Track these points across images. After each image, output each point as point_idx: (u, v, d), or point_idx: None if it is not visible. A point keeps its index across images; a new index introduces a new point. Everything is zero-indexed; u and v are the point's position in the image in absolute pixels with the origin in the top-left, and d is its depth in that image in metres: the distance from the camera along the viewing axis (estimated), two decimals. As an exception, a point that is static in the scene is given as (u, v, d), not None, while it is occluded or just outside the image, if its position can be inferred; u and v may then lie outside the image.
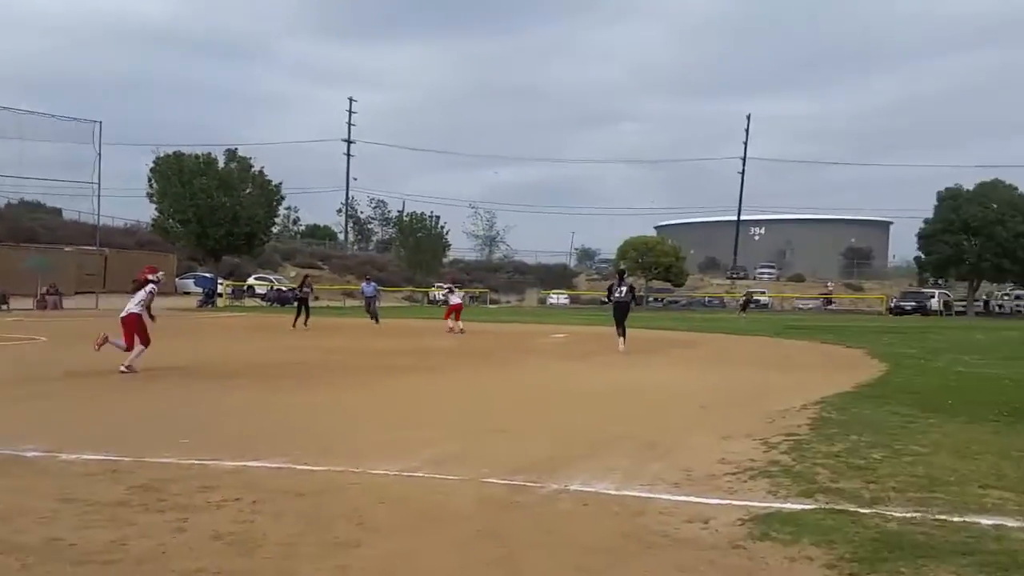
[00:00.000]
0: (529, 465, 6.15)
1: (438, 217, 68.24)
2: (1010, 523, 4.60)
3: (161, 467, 5.95)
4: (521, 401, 10.33)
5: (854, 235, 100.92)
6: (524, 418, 8.69)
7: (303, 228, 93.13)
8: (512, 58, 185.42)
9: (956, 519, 4.67)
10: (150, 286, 12.77)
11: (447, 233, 69.49)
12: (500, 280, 79.34)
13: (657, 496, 5.30)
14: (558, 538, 4.41)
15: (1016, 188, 56.44)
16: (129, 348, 12.18)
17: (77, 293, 46.74)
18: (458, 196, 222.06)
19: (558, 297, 70.82)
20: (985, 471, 5.91)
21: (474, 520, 4.72)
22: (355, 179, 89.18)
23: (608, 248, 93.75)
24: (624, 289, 19.20)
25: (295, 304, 27.50)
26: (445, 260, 74.30)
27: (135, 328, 12.26)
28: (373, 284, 32.53)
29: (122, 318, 12.44)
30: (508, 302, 71.00)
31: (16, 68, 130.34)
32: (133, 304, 12.42)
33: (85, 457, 6.25)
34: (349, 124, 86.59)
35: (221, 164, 50.28)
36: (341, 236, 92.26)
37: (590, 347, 19.87)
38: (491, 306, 63.78)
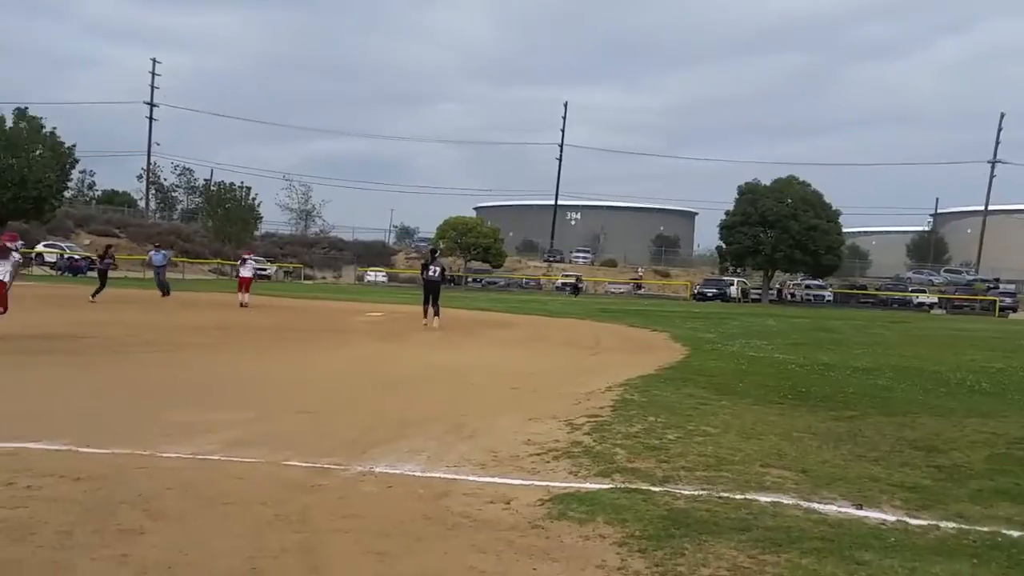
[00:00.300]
0: (335, 448, 6.03)
1: (249, 187, 65.60)
2: (786, 500, 4.93)
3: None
4: (330, 382, 10.11)
5: (663, 224, 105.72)
6: (332, 399, 8.50)
7: (99, 193, 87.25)
8: (332, 31, 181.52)
9: (738, 496, 4.96)
10: (16, 256, 12.81)
11: (259, 205, 67.04)
12: (316, 256, 77.44)
13: (462, 478, 5.32)
14: (359, 522, 4.33)
15: (809, 184, 60.86)
16: None
17: None
18: (272, 168, 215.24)
19: (376, 275, 70.00)
20: (767, 451, 6.32)
21: (271, 505, 4.55)
22: (158, 144, 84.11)
23: (427, 227, 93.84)
24: (437, 269, 19.78)
25: (97, 275, 25.27)
26: (257, 233, 71.67)
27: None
28: (163, 252, 29.36)
29: None
30: (324, 278, 69.53)
31: None
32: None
33: None
34: (152, 86, 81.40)
35: (9, 123, 46.23)
36: (142, 203, 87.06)
37: (405, 326, 19.75)
38: (306, 282, 62.25)
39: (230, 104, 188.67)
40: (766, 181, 61.58)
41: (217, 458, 5.59)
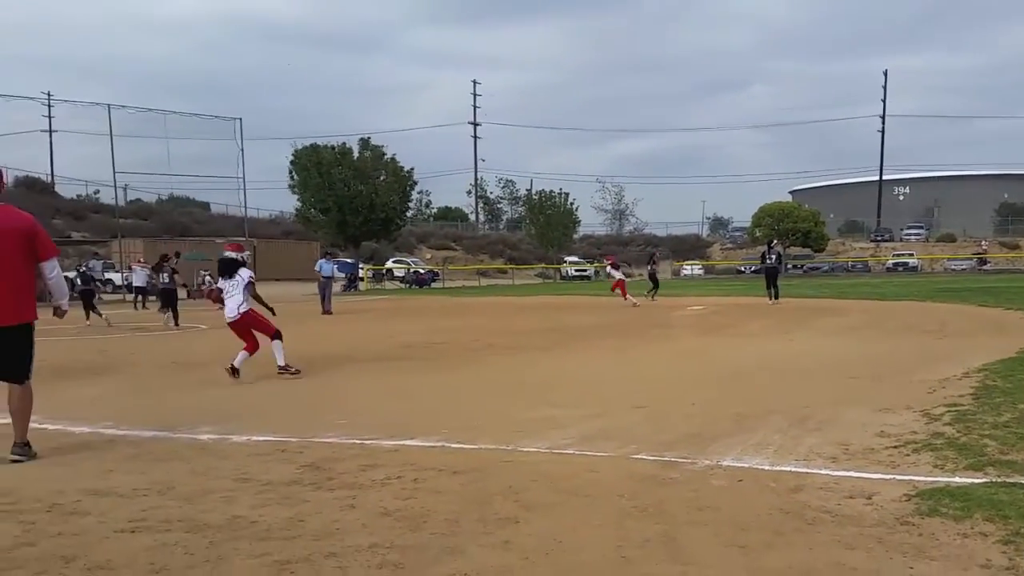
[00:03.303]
0: (676, 441, 6.14)
1: (567, 193, 68.25)
2: None
3: (326, 447, 6.26)
4: (659, 376, 10.25)
5: (1007, 190, 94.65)
6: (665, 394, 8.62)
7: (435, 211, 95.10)
8: (630, 30, 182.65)
9: None
10: (246, 272, 10.70)
11: (576, 209, 69.43)
12: (632, 253, 78.58)
13: (814, 471, 5.19)
14: (716, 514, 4.39)
15: None
16: (252, 350, 10.53)
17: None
18: (584, 172, 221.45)
19: (692, 268, 69.50)
20: None
21: (628, 497, 4.76)
22: (483, 160, 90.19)
23: (741, 216, 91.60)
24: (774, 256, 25.00)
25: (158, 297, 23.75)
26: (575, 236, 74.23)
27: (251, 325, 10.64)
28: (332, 264, 27.09)
29: (231, 323, 10.64)
30: (640, 275, 70.30)
31: (158, 71, 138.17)
32: (235, 302, 10.47)
33: (255, 439, 6.65)
34: (475, 106, 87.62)
35: (356, 154, 51.85)
36: (472, 217, 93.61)
37: (729, 319, 19.49)
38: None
39: (544, 114, 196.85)
40: None
41: (571, 452, 5.93)
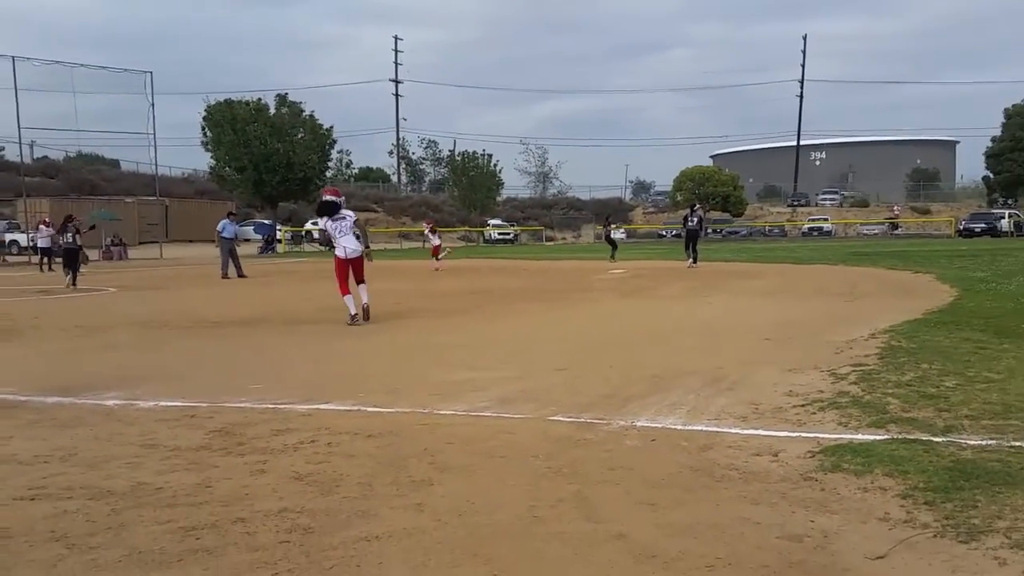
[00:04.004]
0: (593, 403, 6.19)
1: (491, 155, 67.98)
2: (1090, 449, 4.50)
3: (237, 411, 6.13)
4: (580, 339, 10.32)
5: (919, 156, 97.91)
6: (585, 357, 8.68)
7: (356, 171, 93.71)
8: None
9: (1033, 446, 4.59)
10: (351, 213, 11.71)
11: (500, 171, 69.27)
12: (555, 217, 78.96)
13: (724, 430, 5.30)
14: (628, 474, 4.45)
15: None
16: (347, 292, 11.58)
17: (140, 243, 47.95)
18: (508, 133, 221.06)
19: (615, 232, 70.12)
20: (1062, 397, 5.77)
21: (543, 458, 4.78)
22: (405, 119, 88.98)
23: (663, 180, 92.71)
24: (695, 219, 25.31)
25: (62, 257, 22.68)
26: (499, 198, 74.13)
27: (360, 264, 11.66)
28: (235, 226, 25.73)
29: (354, 259, 11.52)
30: (564, 239, 70.73)
31: (63, 23, 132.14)
32: (353, 241, 11.50)
33: (163, 404, 6.46)
34: (396, 63, 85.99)
35: (272, 110, 50.58)
36: (394, 178, 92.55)
37: (649, 282, 19.77)
38: (547, 243, 63.63)
39: (467, 73, 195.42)
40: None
41: (489, 415, 5.92)
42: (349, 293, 11.54)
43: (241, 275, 23.84)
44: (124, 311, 14.69)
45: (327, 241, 15.16)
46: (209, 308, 14.77)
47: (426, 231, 32.75)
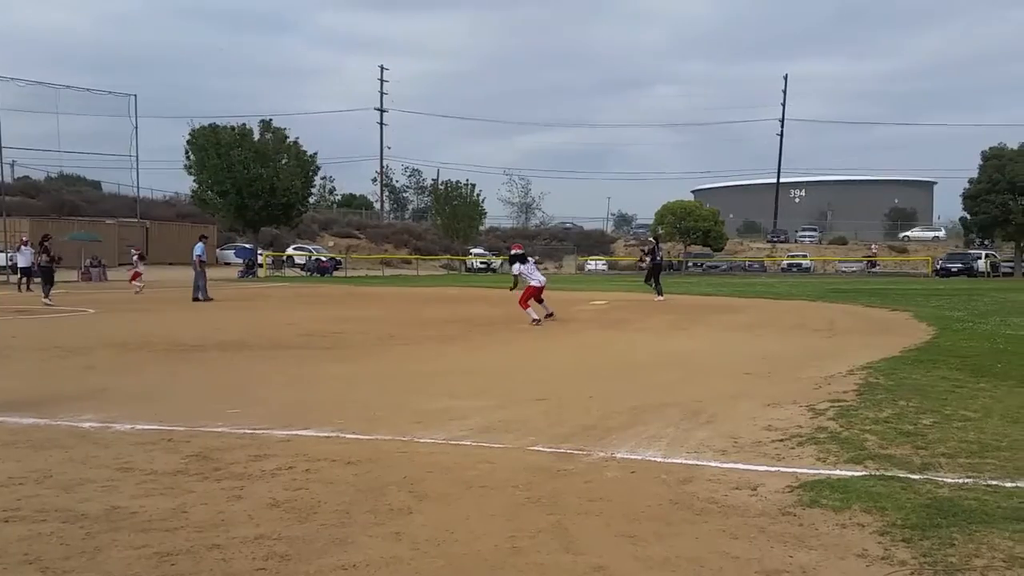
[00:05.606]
0: (574, 433, 6.20)
1: (474, 184, 68.14)
2: (1065, 489, 4.54)
3: (214, 436, 6.08)
4: (561, 370, 10.34)
5: (897, 196, 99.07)
6: (565, 387, 8.67)
7: (339, 198, 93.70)
8: (547, 23, 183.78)
9: (1008, 484, 4.63)
10: (532, 258, 17.22)
11: (483, 201, 69.44)
12: (537, 247, 79.12)
13: (704, 463, 5.31)
14: (607, 506, 4.44)
15: (1066, 145, 54.79)
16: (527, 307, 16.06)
17: (120, 265, 47.60)
18: (492, 163, 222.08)
19: (596, 263, 70.50)
20: (1038, 436, 5.83)
21: (523, 488, 4.77)
22: (389, 148, 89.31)
23: (645, 213, 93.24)
24: (660, 254, 26.11)
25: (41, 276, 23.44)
26: (481, 228, 74.26)
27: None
28: (201, 245, 24.99)
29: (541, 288, 16.35)
30: (546, 268, 70.85)
31: (50, 44, 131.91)
32: (538, 277, 16.51)
33: (140, 427, 6.40)
34: (381, 92, 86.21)
35: (256, 136, 50.54)
36: (377, 205, 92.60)
37: (630, 314, 19.81)
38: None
39: (452, 104, 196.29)
40: (1013, 145, 55.84)
41: (468, 444, 5.91)
42: (530, 307, 15.96)
43: (206, 299, 23.61)
44: (102, 333, 14.56)
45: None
46: (189, 331, 14.66)
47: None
